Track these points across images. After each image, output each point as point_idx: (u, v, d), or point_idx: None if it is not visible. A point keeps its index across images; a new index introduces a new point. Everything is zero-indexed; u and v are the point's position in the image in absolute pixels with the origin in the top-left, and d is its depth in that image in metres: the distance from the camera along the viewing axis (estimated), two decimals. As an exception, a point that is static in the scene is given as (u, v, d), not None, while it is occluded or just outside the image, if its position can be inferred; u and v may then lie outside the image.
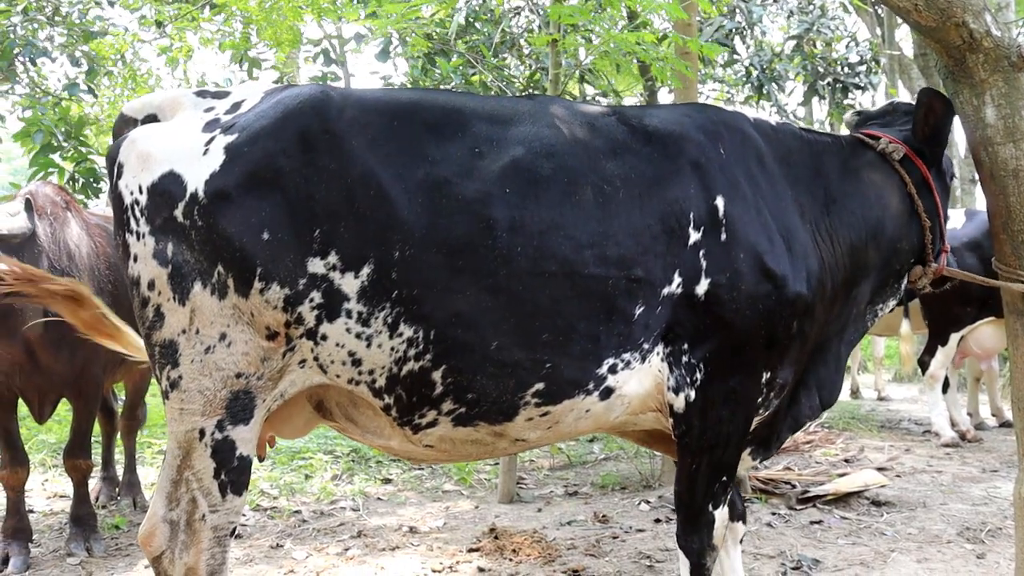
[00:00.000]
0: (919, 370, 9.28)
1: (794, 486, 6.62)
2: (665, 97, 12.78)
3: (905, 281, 3.91)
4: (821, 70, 12.18)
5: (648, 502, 6.61)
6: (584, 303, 3.07)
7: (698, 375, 3.27)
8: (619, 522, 6.10)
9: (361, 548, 5.56)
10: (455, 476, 7.65)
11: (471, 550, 5.46)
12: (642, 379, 3.26)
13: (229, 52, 9.91)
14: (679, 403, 3.30)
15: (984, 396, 10.40)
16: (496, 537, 5.66)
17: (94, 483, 6.57)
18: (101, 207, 7.90)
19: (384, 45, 10.30)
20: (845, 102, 12.45)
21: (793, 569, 4.97)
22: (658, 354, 3.26)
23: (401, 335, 2.94)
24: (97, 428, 6.46)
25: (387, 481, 7.57)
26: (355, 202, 2.89)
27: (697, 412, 3.31)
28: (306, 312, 2.88)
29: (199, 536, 2.97)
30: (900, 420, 10.64)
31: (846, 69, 12.28)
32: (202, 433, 2.92)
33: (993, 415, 10.10)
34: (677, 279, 3.21)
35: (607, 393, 3.21)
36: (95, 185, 9.20)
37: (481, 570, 5.09)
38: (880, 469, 7.27)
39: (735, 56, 12.50)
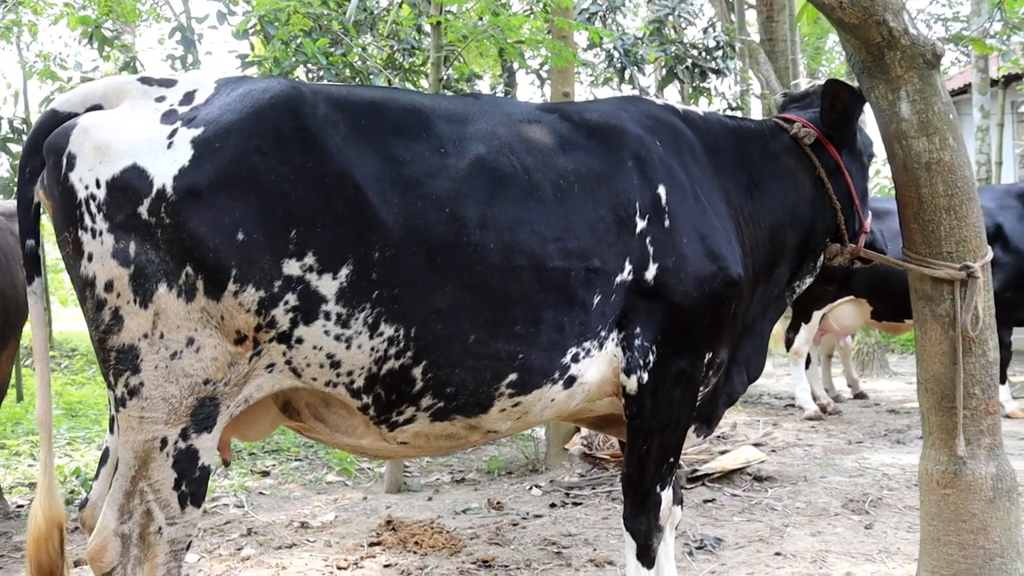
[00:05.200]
0: (777, 346, 9.68)
1: (681, 465, 6.75)
2: (523, 79, 12.78)
3: (822, 260, 4.06)
4: (680, 55, 12.44)
5: (539, 486, 6.64)
6: (550, 294, 3.15)
7: (651, 357, 3.38)
8: (514, 508, 6.10)
9: (255, 547, 5.37)
10: (337, 467, 7.50)
11: (372, 544, 5.35)
12: (600, 365, 3.37)
13: (79, 29, 9.34)
14: (632, 385, 3.41)
15: (836, 370, 10.95)
16: (394, 529, 5.57)
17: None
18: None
19: (243, 24, 9.90)
20: (702, 86, 12.81)
21: (698, 548, 5.08)
22: (613, 340, 3.36)
23: (382, 334, 2.92)
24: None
25: (265, 474, 7.36)
26: (332, 202, 2.81)
27: (649, 394, 3.42)
28: (280, 315, 2.79)
29: (154, 551, 2.81)
30: (760, 395, 11.05)
31: (704, 54, 12.61)
32: (164, 442, 2.76)
33: (849, 386, 10.65)
34: (628, 266, 3.32)
35: (570, 382, 3.31)
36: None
37: (387, 565, 4.99)
38: (756, 445, 7.52)
39: (601, 41, 12.62)
